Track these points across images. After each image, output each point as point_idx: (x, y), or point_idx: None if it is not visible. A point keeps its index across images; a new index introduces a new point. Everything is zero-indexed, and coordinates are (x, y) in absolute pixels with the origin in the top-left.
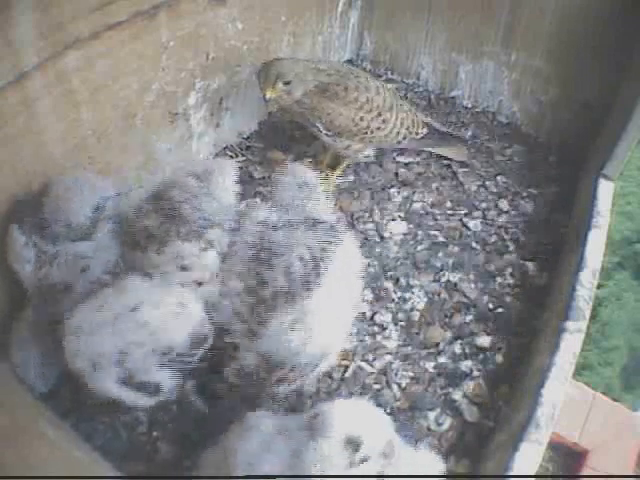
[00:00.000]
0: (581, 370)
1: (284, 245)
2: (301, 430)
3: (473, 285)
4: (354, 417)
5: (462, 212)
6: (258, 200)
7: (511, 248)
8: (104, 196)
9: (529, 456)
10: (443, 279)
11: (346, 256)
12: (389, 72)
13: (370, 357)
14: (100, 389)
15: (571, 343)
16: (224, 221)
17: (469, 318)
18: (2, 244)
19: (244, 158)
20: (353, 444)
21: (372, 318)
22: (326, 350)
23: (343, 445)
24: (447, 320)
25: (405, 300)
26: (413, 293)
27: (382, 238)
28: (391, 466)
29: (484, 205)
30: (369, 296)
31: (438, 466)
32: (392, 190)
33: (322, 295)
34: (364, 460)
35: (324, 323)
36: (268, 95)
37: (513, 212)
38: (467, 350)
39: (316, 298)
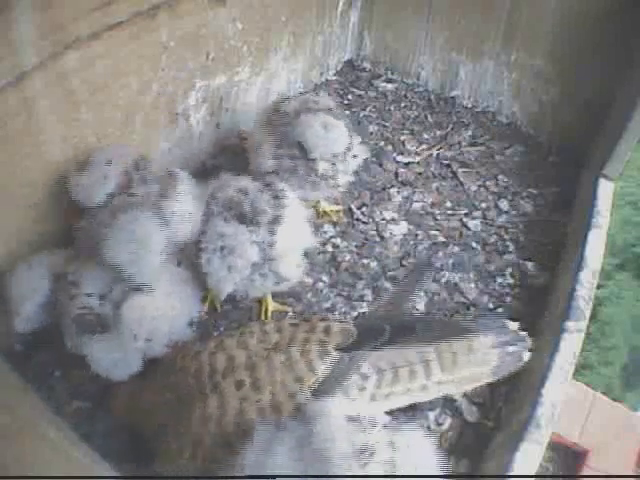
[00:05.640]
0: (581, 370)
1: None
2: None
3: (473, 285)
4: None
5: (462, 212)
6: None
7: (511, 248)
8: None
9: (529, 456)
10: (443, 279)
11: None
12: (389, 72)
13: None
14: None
15: (571, 343)
16: None
17: (469, 318)
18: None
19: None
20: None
21: None
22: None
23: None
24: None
25: None
26: None
27: (382, 238)
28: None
29: (484, 205)
30: (369, 296)
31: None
32: (392, 190)
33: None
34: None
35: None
36: None
37: (513, 212)
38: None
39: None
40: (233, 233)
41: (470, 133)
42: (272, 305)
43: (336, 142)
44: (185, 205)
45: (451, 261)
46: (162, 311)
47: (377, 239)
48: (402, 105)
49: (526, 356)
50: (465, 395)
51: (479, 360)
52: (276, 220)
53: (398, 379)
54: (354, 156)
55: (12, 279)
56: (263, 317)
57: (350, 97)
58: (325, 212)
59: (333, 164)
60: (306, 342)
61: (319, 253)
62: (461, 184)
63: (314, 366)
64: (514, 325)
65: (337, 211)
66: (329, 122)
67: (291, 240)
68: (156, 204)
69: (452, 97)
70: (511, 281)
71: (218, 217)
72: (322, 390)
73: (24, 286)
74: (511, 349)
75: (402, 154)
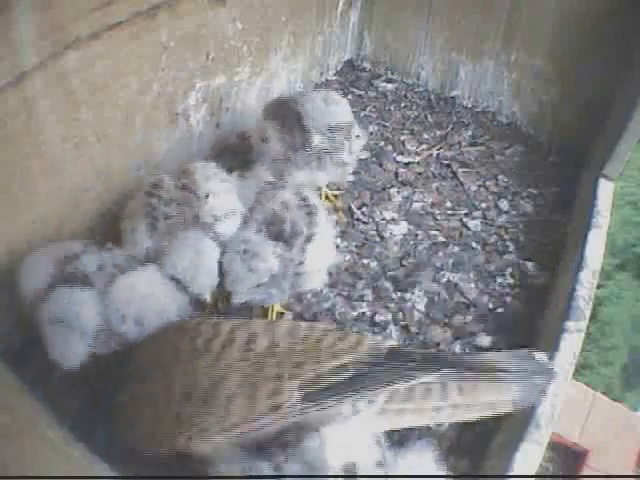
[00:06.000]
0: (581, 370)
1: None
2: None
3: (473, 285)
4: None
5: (462, 212)
6: None
7: (511, 248)
8: None
9: (529, 456)
10: (443, 279)
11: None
12: (389, 72)
13: None
14: None
15: (571, 343)
16: None
17: (469, 318)
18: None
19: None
20: (350, 471)
21: (372, 318)
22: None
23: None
24: (447, 320)
25: (405, 300)
26: (413, 293)
27: (382, 238)
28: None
29: (484, 205)
30: (369, 296)
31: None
32: (392, 190)
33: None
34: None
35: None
36: None
37: (513, 212)
38: (467, 350)
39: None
40: (260, 242)
41: (470, 133)
42: (277, 306)
43: (334, 115)
44: (221, 203)
45: (451, 261)
46: (151, 290)
47: (377, 239)
48: (402, 105)
49: (550, 389)
50: None
51: (501, 388)
52: (309, 239)
53: (411, 396)
54: (357, 136)
55: (20, 274)
56: (269, 318)
57: (350, 97)
58: (327, 197)
59: (329, 138)
60: (334, 346)
61: None
62: (461, 184)
63: (322, 361)
64: (542, 357)
65: (337, 196)
66: (330, 97)
67: (319, 258)
68: (195, 219)
69: (452, 97)
70: (511, 281)
71: (250, 227)
72: (319, 396)
73: (32, 279)
74: (536, 381)
75: (402, 154)
